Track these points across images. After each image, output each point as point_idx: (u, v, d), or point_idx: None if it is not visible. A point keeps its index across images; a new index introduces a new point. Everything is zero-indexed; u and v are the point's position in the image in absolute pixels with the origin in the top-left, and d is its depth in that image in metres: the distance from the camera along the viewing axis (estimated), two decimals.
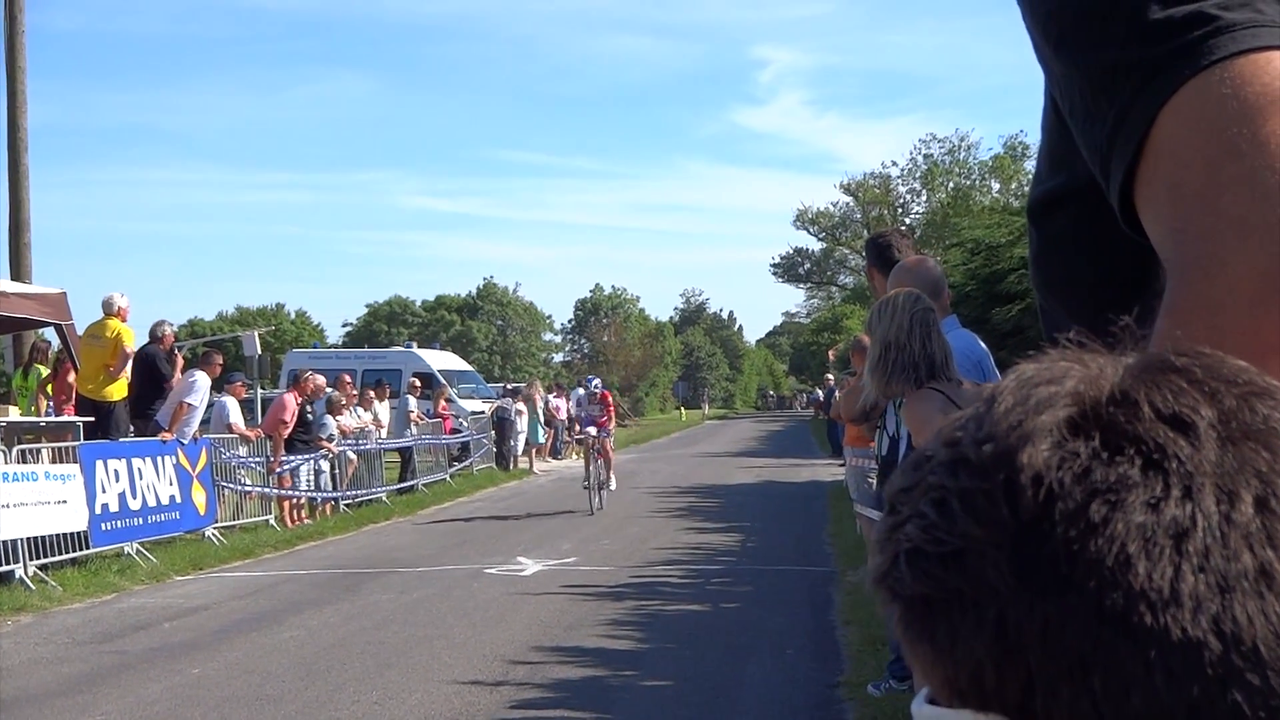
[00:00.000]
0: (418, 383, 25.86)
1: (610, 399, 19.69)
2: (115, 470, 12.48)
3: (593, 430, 18.73)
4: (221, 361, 15.25)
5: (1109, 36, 0.98)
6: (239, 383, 16.20)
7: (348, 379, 20.04)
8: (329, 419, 17.61)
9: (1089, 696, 0.54)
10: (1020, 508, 0.56)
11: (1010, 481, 0.57)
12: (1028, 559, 0.56)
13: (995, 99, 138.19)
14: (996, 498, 0.57)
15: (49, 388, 15.46)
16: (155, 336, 14.56)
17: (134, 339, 13.89)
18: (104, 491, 12.16)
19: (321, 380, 17.96)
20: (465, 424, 26.10)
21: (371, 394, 21.49)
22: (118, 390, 13.61)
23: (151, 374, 14.24)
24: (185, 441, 13.91)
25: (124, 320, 13.84)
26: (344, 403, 18.58)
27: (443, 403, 25.14)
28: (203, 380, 14.26)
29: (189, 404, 13.95)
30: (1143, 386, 0.59)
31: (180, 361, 15.07)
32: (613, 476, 19.18)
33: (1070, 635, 0.55)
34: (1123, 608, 0.54)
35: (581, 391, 21.27)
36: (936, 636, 0.59)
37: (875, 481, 8.36)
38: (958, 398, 4.00)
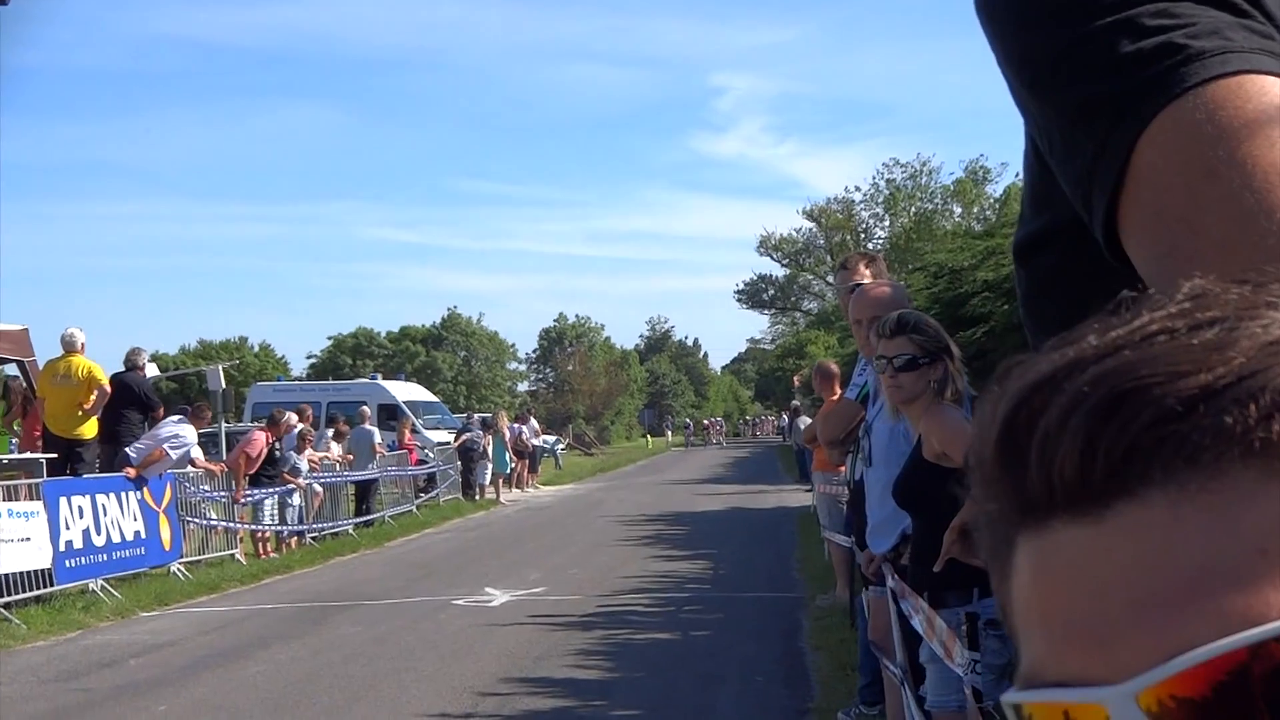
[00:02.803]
0: (368, 411, 24.26)
1: None
2: (79, 506, 12.35)
3: None
4: (211, 415, 15.09)
5: (1082, 73, 1.00)
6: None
7: (309, 409, 19.91)
8: (291, 454, 17.46)
9: None
10: None
11: None
12: None
13: (956, 123, 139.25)
14: None
15: (15, 425, 15.31)
16: (135, 365, 14.40)
17: (105, 375, 13.76)
18: (68, 528, 12.04)
19: (294, 418, 17.85)
20: (431, 455, 25.98)
21: (346, 427, 21.32)
22: (90, 428, 13.46)
23: (134, 402, 14.08)
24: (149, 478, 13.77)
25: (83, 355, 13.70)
26: (309, 437, 18.46)
27: (408, 434, 25.01)
28: (190, 435, 14.15)
29: (167, 452, 13.81)
30: None
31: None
32: None
33: None
34: None
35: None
36: None
37: (846, 506, 8.40)
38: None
